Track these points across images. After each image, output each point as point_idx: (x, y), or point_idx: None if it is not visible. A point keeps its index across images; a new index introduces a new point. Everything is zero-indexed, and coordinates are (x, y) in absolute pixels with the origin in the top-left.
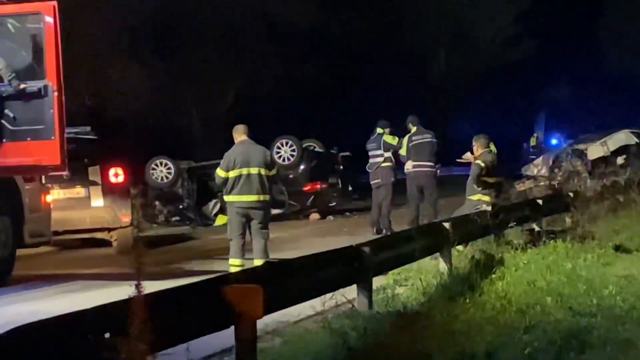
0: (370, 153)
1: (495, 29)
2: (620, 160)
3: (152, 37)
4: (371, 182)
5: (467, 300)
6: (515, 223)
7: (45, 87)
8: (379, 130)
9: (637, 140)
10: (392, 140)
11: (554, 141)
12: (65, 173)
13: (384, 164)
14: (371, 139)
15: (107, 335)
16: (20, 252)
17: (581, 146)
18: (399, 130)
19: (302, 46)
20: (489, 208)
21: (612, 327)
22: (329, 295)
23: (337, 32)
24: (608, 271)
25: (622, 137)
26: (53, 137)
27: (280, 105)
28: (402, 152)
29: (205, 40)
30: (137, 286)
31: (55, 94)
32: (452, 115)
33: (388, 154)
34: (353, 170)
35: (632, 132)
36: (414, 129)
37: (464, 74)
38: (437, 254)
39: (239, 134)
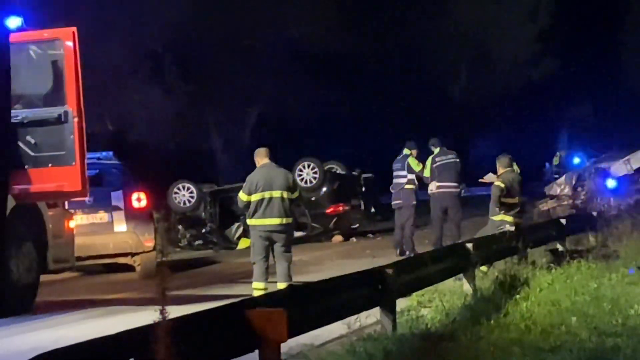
0: (394, 173)
1: (516, 49)
2: None
3: (174, 61)
4: (392, 203)
5: (492, 321)
6: (538, 243)
7: (66, 113)
8: (405, 151)
9: None
10: (416, 165)
11: (576, 160)
12: (87, 198)
13: (406, 186)
14: (397, 159)
15: None
16: (44, 277)
17: (604, 164)
18: (424, 152)
19: (324, 68)
20: (512, 228)
21: (638, 347)
22: (353, 317)
23: (359, 54)
24: (633, 291)
25: None
26: (74, 163)
27: (303, 127)
28: (426, 173)
29: (227, 63)
30: (161, 311)
31: (76, 119)
32: (475, 135)
33: (411, 176)
34: (375, 192)
35: None
36: (436, 150)
37: (486, 93)
38: (461, 275)
39: (261, 157)
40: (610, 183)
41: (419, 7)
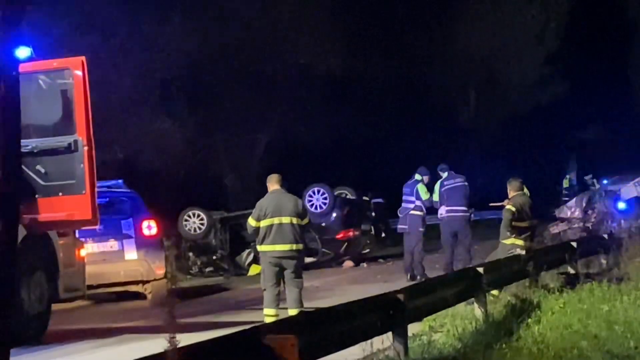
0: (404, 197)
1: (524, 72)
2: None
3: (182, 88)
4: (398, 227)
5: (504, 345)
6: (550, 266)
7: (76, 142)
8: (417, 176)
9: None
10: (424, 194)
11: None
12: (97, 227)
13: (412, 212)
14: (408, 184)
15: None
16: (55, 306)
17: (614, 187)
18: (433, 177)
19: (333, 93)
20: (523, 252)
21: None
22: (365, 343)
23: (368, 79)
24: None
25: None
26: (84, 192)
27: (312, 153)
28: (435, 197)
29: (236, 89)
30: (172, 339)
31: (86, 148)
32: (484, 159)
33: (419, 202)
34: (386, 217)
35: None
36: (444, 175)
37: (495, 117)
38: (472, 299)
39: (272, 184)
40: (621, 205)
41: (427, 31)
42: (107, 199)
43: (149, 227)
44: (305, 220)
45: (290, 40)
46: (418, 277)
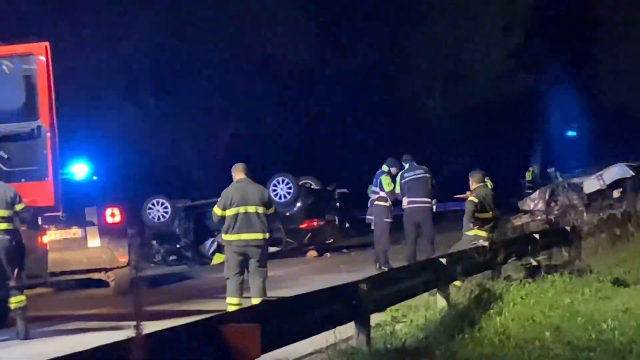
0: (372, 188)
1: (490, 64)
2: (616, 193)
3: (148, 77)
4: (366, 217)
5: (466, 336)
6: (512, 258)
7: (39, 127)
8: (384, 167)
9: (633, 174)
10: (387, 185)
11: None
12: (60, 214)
13: (377, 202)
14: (376, 174)
15: None
16: None
17: (577, 180)
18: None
19: (299, 84)
20: (486, 243)
21: None
22: (327, 333)
23: (334, 69)
24: (606, 305)
25: (618, 170)
26: (47, 178)
27: (278, 143)
28: (397, 189)
29: (202, 79)
30: (135, 327)
31: (49, 134)
32: (450, 150)
33: (383, 194)
34: (350, 207)
35: (627, 165)
36: (406, 166)
37: (461, 109)
38: (435, 289)
39: (238, 173)
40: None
41: (393, 22)
42: (71, 186)
43: (113, 215)
44: (271, 210)
45: (257, 30)
46: (382, 267)
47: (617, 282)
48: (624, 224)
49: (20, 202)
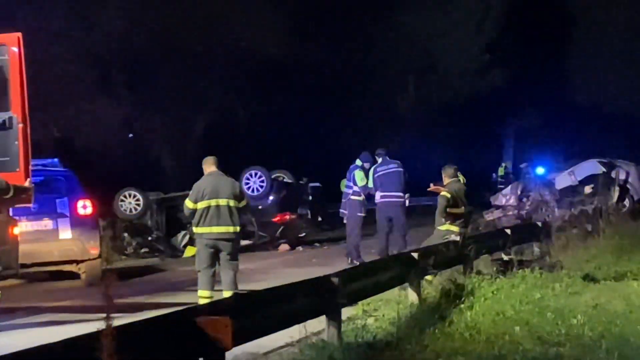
0: (345, 182)
1: (463, 60)
2: (587, 189)
3: (121, 68)
4: (340, 211)
5: (437, 330)
6: (484, 253)
7: (10, 118)
8: (357, 162)
9: (604, 170)
10: (360, 180)
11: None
12: (31, 205)
13: (352, 197)
14: (350, 168)
15: None
16: None
17: (549, 175)
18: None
19: (272, 77)
20: (458, 238)
21: (581, 356)
22: (299, 326)
23: (307, 63)
24: (576, 300)
25: (589, 167)
26: (18, 169)
27: (250, 136)
28: (369, 184)
29: (175, 71)
30: (106, 319)
31: (20, 125)
32: (423, 145)
33: (357, 188)
34: (323, 201)
35: (599, 162)
36: (379, 160)
37: (434, 104)
38: (407, 284)
39: (209, 166)
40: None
41: (367, 17)
42: (42, 178)
43: (84, 207)
44: (243, 203)
45: (230, 23)
46: (354, 261)
47: (588, 278)
48: (595, 220)
49: None
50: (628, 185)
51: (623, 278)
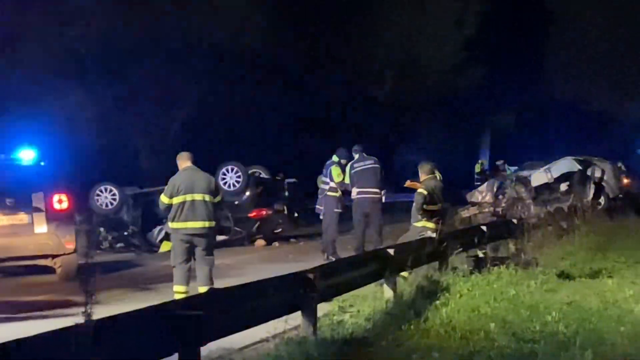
0: (322, 178)
1: (442, 56)
2: (563, 187)
3: (98, 63)
4: (316, 207)
5: (412, 326)
6: (459, 249)
7: None
8: (334, 158)
9: (580, 168)
10: (337, 176)
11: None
12: (7, 199)
13: (328, 193)
14: (326, 164)
15: None
16: None
17: (525, 173)
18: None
19: (249, 72)
20: (434, 235)
21: (555, 353)
22: (274, 321)
23: (285, 58)
24: (551, 297)
25: (565, 164)
26: None
27: (227, 131)
28: (346, 180)
29: (153, 66)
30: (82, 313)
31: None
32: (401, 141)
33: (334, 184)
34: (299, 197)
35: (575, 159)
36: (356, 156)
37: (412, 100)
38: (382, 280)
39: (184, 161)
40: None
41: (345, 11)
42: (18, 172)
43: (60, 201)
44: (218, 198)
45: (208, 18)
46: (329, 257)
47: (563, 275)
48: (571, 217)
49: None
50: (603, 183)
51: (598, 275)
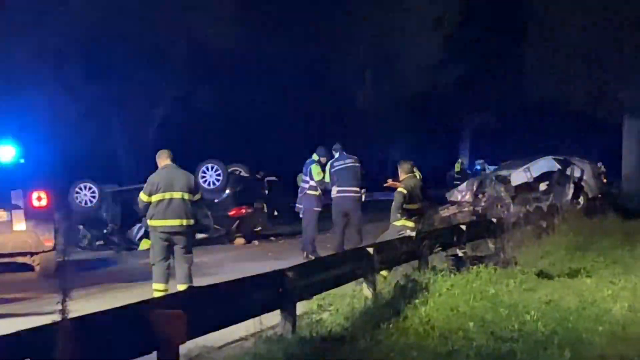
0: (302, 177)
1: (421, 55)
2: (543, 186)
3: (77, 60)
4: (296, 206)
5: (391, 325)
6: (439, 248)
7: None
8: (314, 156)
9: (560, 167)
10: (317, 174)
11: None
12: None
13: (308, 191)
14: (306, 163)
15: None
16: None
17: (504, 172)
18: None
19: (229, 70)
20: (413, 234)
21: (533, 352)
22: (253, 320)
23: (265, 56)
24: (530, 297)
25: (545, 164)
26: None
27: (207, 129)
28: (326, 178)
29: (132, 64)
30: (60, 311)
31: None
32: (380, 140)
33: (314, 183)
34: (279, 195)
35: (554, 159)
36: (336, 155)
37: (392, 99)
38: (362, 279)
39: (163, 159)
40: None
41: (324, 10)
42: None
43: (39, 199)
44: (197, 196)
45: (186, 16)
46: (309, 256)
47: (542, 274)
48: (550, 217)
49: None
50: (583, 183)
51: (577, 275)
